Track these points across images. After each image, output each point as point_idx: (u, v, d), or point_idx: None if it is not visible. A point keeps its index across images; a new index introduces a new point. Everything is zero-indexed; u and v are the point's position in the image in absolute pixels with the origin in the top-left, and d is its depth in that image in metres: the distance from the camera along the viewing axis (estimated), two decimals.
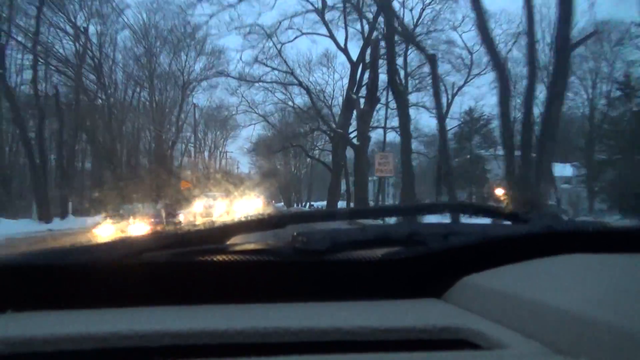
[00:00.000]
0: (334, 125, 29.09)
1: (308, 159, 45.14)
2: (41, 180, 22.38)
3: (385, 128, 23.25)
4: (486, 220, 1.07)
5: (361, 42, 27.64)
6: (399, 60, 25.26)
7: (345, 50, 29.04)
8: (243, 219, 0.90)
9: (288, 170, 52.70)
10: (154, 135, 35.15)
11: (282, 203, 57.59)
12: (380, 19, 22.72)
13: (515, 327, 0.57)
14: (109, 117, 30.34)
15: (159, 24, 32.59)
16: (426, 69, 24.26)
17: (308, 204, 49.84)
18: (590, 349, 0.47)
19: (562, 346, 0.50)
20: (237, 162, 57.63)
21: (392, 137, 32.45)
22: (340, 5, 27.31)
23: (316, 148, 41.31)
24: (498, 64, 13.20)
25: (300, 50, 79.15)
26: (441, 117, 18.99)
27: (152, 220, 14.68)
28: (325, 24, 28.16)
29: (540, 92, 17.80)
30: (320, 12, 27.73)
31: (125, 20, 30.38)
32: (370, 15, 26.07)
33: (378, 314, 0.66)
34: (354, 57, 28.49)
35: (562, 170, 31.38)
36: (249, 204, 30.11)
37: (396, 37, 20.90)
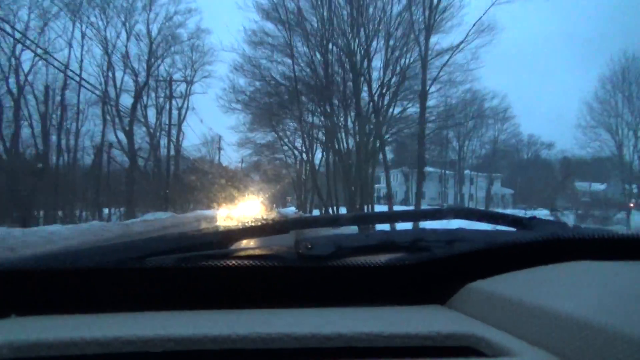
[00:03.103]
0: None
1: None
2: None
3: None
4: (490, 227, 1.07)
5: None
6: None
7: None
8: (247, 224, 0.90)
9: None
10: None
11: (295, 208, 40.14)
12: None
13: (520, 334, 0.57)
14: None
15: None
16: None
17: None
18: (596, 356, 0.47)
19: (567, 353, 0.50)
20: (219, 138, 37.26)
21: None
22: None
23: None
24: None
25: None
26: None
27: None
28: None
29: None
30: None
31: None
32: None
33: (382, 320, 0.66)
34: None
35: None
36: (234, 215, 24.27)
37: None
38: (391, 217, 2.05)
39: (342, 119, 20.69)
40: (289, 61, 20.34)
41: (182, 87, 31.09)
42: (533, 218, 1.01)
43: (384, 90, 19.45)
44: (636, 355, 0.44)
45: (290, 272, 0.78)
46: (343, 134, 20.41)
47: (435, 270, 0.79)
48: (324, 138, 24.11)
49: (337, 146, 20.10)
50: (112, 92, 27.34)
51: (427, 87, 17.86)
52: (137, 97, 28.32)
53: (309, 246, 0.79)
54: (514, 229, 1.01)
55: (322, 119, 21.91)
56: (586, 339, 0.49)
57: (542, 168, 43.38)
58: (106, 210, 26.70)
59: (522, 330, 0.57)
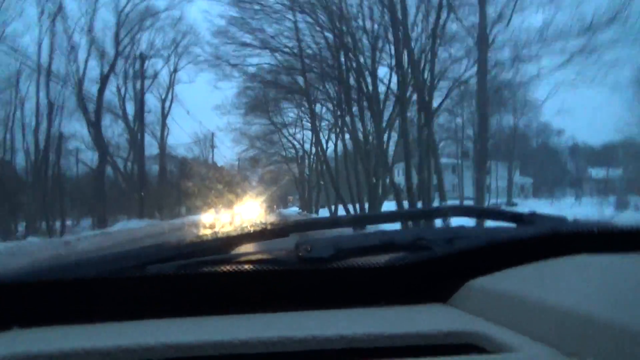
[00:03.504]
0: None
1: None
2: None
3: None
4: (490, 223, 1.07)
5: None
6: None
7: None
8: (246, 228, 0.90)
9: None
10: None
11: (298, 208, 36.91)
12: None
13: (522, 330, 0.57)
14: None
15: None
16: None
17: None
18: (598, 350, 0.46)
19: (569, 348, 0.49)
20: (212, 135, 34.01)
21: None
22: None
23: None
24: None
25: None
26: None
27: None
28: None
29: None
30: None
31: None
32: None
33: (383, 320, 0.66)
34: None
35: None
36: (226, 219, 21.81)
37: None
38: (392, 216, 2.05)
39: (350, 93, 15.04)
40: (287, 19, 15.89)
41: (165, 74, 27.35)
42: (533, 213, 1.01)
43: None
44: (636, 348, 0.44)
45: (291, 276, 0.78)
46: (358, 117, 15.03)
47: (436, 269, 0.79)
48: (333, 119, 18.34)
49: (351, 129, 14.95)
50: (90, 86, 23.08)
51: (489, 29, 11.94)
52: (105, 79, 23.82)
53: (309, 249, 0.79)
54: (514, 225, 1.01)
55: (337, 84, 15.87)
56: (587, 333, 0.49)
57: (552, 155, 40.08)
58: (80, 221, 22.98)
59: (523, 326, 0.57)
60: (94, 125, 23.54)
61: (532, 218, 0.98)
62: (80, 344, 0.56)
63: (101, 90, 23.86)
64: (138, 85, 26.09)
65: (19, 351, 0.56)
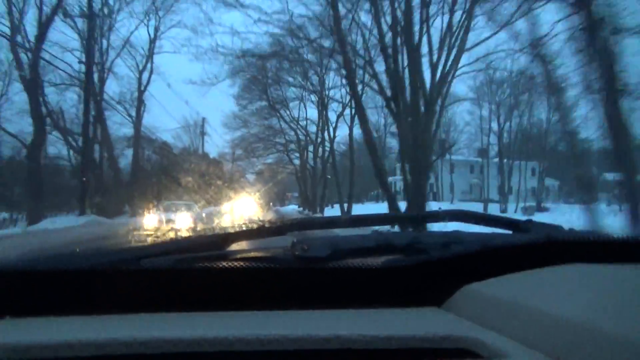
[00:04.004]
0: None
1: None
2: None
3: None
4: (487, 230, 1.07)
5: None
6: None
7: None
8: (243, 226, 0.90)
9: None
10: None
11: (298, 206, 33.19)
12: None
13: (516, 336, 0.57)
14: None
15: None
16: None
17: None
18: (591, 358, 0.47)
19: (562, 355, 0.50)
20: (203, 121, 29.28)
21: None
22: None
23: None
24: None
25: None
26: None
27: None
28: None
29: None
30: None
31: None
32: None
33: (378, 322, 0.66)
34: None
35: None
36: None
37: None
38: (390, 219, 2.06)
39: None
40: None
41: (142, 39, 21.62)
42: (529, 220, 1.02)
43: None
44: (629, 357, 0.44)
45: (287, 274, 0.78)
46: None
47: (432, 272, 0.79)
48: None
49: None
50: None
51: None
52: (47, 22, 17.70)
53: (306, 248, 0.79)
54: (510, 232, 1.01)
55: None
56: (580, 341, 0.49)
57: (563, 158, 39.11)
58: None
59: (517, 333, 0.57)
60: (28, 84, 17.79)
61: (528, 225, 0.99)
62: (74, 336, 0.56)
63: (39, 38, 17.99)
64: (112, 49, 20.65)
65: (10, 341, 0.55)
